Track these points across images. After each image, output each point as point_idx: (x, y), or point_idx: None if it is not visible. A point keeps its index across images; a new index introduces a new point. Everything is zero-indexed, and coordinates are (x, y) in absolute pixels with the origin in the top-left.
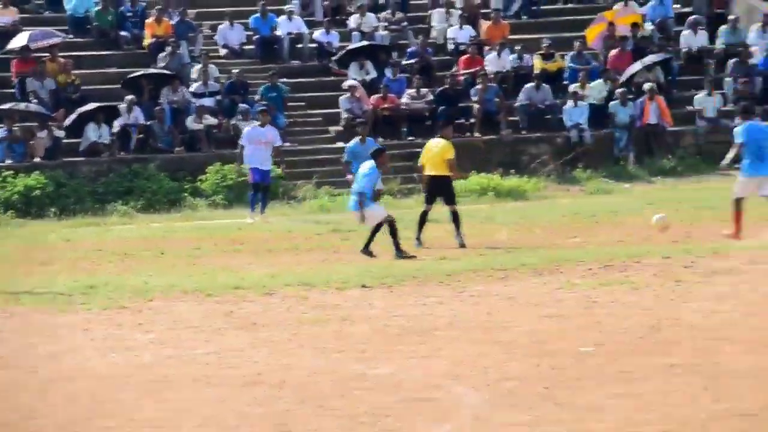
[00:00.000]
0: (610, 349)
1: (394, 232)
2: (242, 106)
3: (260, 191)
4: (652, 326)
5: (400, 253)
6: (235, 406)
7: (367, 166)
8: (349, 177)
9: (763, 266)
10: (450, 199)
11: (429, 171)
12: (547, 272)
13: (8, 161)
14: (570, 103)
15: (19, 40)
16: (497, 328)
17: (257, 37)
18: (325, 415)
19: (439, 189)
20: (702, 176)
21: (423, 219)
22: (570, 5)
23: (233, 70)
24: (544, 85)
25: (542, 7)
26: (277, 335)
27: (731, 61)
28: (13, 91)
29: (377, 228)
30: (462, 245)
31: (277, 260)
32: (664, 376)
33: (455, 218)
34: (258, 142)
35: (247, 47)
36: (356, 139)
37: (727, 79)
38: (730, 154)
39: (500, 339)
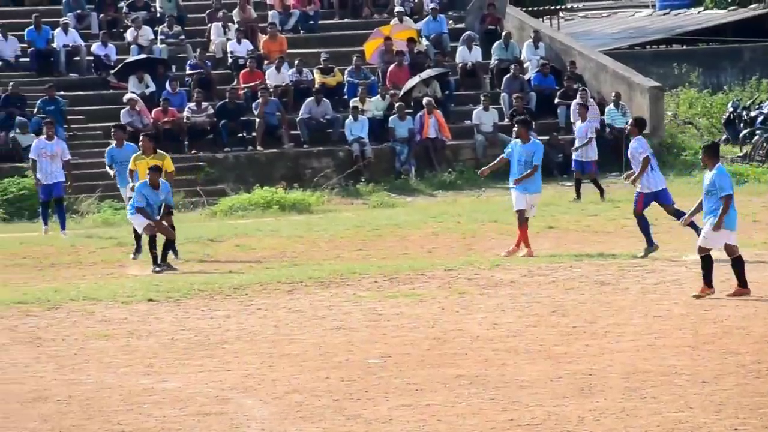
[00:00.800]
0: (398, 361)
1: (152, 244)
2: (20, 119)
3: (57, 205)
4: (438, 338)
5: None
6: (21, 422)
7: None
8: (111, 172)
9: (540, 278)
10: None
11: None
12: (333, 285)
13: None
14: (350, 117)
15: None
16: (285, 341)
17: (32, 49)
18: (114, 430)
19: None
20: (481, 189)
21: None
22: (346, 20)
23: (9, 83)
24: (324, 99)
25: (319, 22)
26: (63, 350)
27: (505, 77)
28: None
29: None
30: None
31: (60, 274)
32: (451, 387)
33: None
34: (45, 156)
35: (22, 59)
36: (113, 144)
37: (503, 94)
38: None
39: (288, 352)
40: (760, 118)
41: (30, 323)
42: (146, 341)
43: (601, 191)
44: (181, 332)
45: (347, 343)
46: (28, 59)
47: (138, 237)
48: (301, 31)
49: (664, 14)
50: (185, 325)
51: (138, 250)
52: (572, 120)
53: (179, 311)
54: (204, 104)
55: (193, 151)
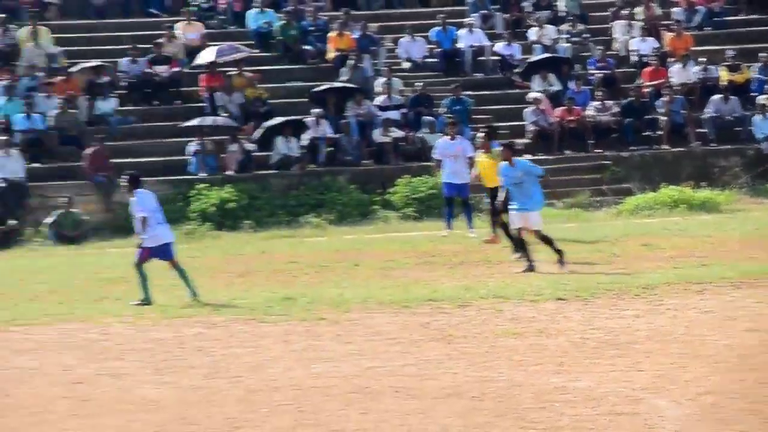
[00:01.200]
0: None
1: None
2: (427, 118)
3: (461, 205)
4: None
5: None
6: (436, 417)
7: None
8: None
9: None
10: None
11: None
12: (745, 286)
13: (202, 174)
14: (759, 115)
15: (207, 55)
16: (697, 342)
17: (439, 50)
18: (526, 427)
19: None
20: None
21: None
22: (754, 16)
23: (416, 83)
24: (732, 96)
25: (725, 18)
26: (474, 347)
27: None
28: (202, 105)
29: (544, 238)
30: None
31: (469, 272)
32: None
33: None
34: (448, 155)
35: (429, 60)
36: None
37: None
38: None
39: (700, 353)
40: None
41: (441, 320)
42: (556, 340)
43: None
44: (590, 331)
45: (762, 344)
46: (435, 60)
47: (509, 235)
48: (707, 28)
49: None
50: (594, 324)
51: (516, 249)
52: None
53: (587, 310)
54: (608, 103)
55: (597, 150)
